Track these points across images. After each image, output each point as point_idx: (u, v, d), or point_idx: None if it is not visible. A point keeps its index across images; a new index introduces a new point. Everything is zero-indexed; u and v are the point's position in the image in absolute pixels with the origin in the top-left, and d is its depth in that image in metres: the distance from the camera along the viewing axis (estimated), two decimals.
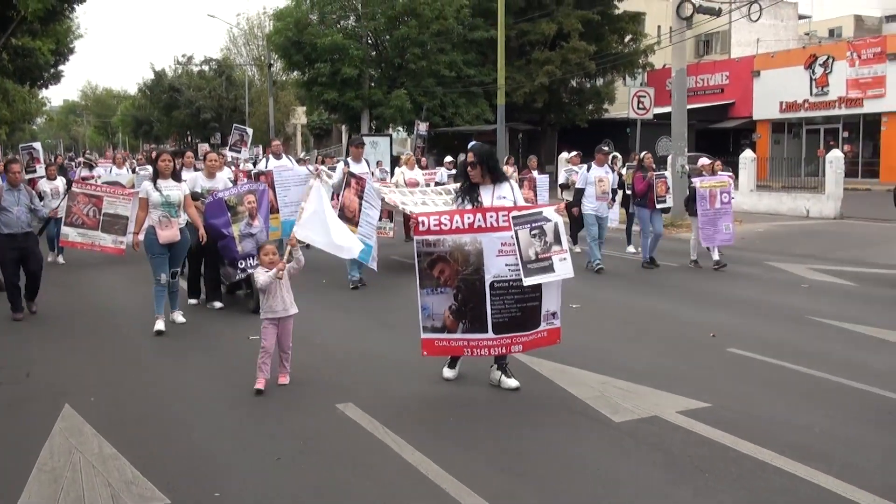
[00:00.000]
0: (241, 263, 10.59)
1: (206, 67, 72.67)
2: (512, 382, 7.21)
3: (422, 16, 39.45)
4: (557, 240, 6.90)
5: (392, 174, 20.84)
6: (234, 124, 24.14)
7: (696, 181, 14.89)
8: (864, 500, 4.94)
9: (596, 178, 14.28)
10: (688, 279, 13.62)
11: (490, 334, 6.96)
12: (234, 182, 12.71)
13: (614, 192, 15.25)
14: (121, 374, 7.98)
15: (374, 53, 43.15)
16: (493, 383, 7.30)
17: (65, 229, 14.57)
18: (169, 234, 9.69)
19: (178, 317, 10.19)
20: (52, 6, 30.05)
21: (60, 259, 15.91)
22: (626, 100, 24.99)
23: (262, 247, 7.58)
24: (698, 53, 55.18)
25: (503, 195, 7.28)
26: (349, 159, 13.42)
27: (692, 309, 11.10)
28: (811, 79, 40.86)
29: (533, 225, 6.88)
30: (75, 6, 36.11)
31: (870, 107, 38.64)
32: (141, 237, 10.00)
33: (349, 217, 11.67)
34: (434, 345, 7.13)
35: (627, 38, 44.36)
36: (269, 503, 5.02)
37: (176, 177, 10.08)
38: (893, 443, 5.94)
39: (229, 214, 10.79)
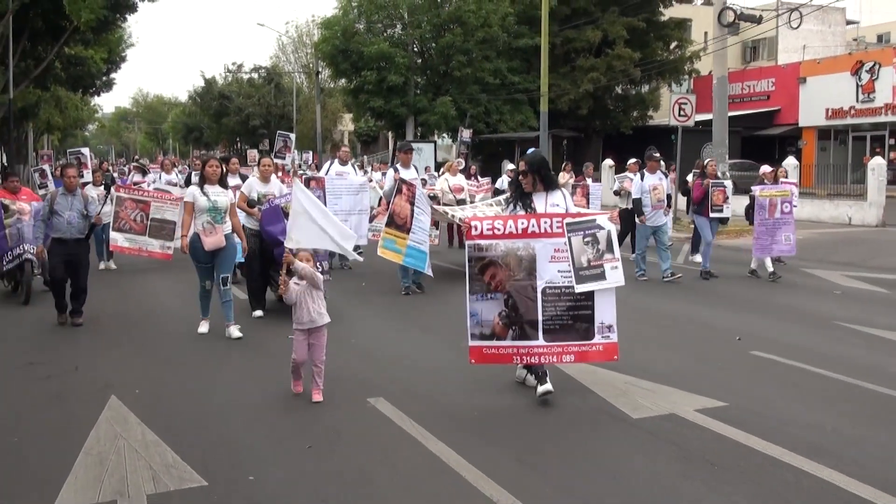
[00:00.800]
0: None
1: (255, 75, 73.75)
2: (532, 379, 7.33)
3: (467, 24, 39.90)
4: (610, 248, 6.90)
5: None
6: (278, 131, 24.45)
7: (756, 189, 14.56)
8: (865, 493, 5.15)
9: (650, 186, 13.86)
10: (722, 285, 13.73)
11: (540, 341, 6.90)
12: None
13: (669, 198, 14.72)
14: (165, 371, 8.38)
15: (419, 61, 43.71)
16: (517, 380, 7.58)
17: (113, 234, 14.61)
18: (213, 240, 9.60)
19: (235, 331, 9.71)
20: (103, 16, 30.85)
21: (112, 265, 16.01)
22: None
23: (295, 254, 7.33)
24: (745, 59, 54.95)
25: (556, 202, 7.33)
26: (398, 165, 13.50)
27: (722, 314, 11.29)
28: (857, 85, 40.53)
29: (586, 232, 6.89)
30: (127, 16, 37.02)
31: None
32: (188, 240, 9.87)
33: (400, 224, 11.78)
34: (482, 352, 7.03)
35: (673, 45, 44.37)
36: (300, 487, 5.36)
37: (223, 183, 10.00)
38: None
39: (286, 221, 10.69)
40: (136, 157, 65.68)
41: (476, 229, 6.94)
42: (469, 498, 5.17)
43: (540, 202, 7.31)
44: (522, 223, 6.92)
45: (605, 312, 6.94)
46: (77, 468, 5.63)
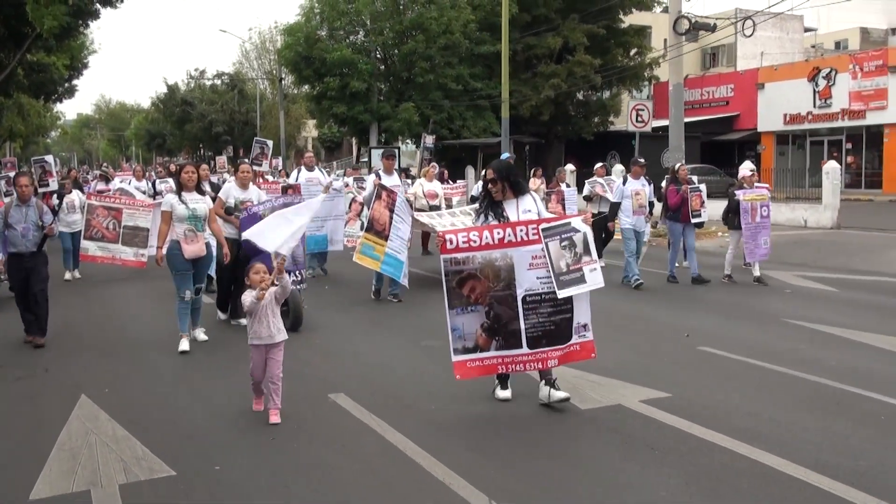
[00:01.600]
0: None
1: (218, 81, 73.72)
2: (560, 394, 7.07)
3: (429, 30, 40.21)
4: (587, 250, 6.86)
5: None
6: (255, 137, 24.17)
7: (740, 194, 14.34)
8: (796, 472, 5.53)
9: (632, 192, 13.84)
10: (679, 287, 14.03)
11: (525, 349, 6.85)
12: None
13: (651, 204, 14.56)
14: (133, 371, 8.65)
15: (382, 67, 43.97)
16: (543, 401, 7.12)
17: (84, 243, 14.38)
18: (195, 248, 9.40)
19: (200, 334, 9.87)
20: (66, 23, 30.83)
21: (77, 274, 15.48)
22: None
23: (251, 265, 7.02)
24: (704, 66, 55.73)
25: (528, 208, 7.17)
26: (381, 171, 13.36)
27: (675, 312, 11.70)
28: (814, 91, 41.38)
29: (562, 236, 6.83)
30: (89, 22, 37.01)
31: (872, 118, 39.14)
32: (164, 251, 9.69)
33: (378, 230, 11.47)
34: (467, 366, 6.91)
35: (633, 52, 44.98)
36: (263, 475, 5.66)
37: (200, 189, 9.75)
38: (832, 426, 6.54)
39: None
40: (104, 164, 65.32)
41: (451, 243, 6.79)
42: (423, 482, 5.49)
43: (512, 209, 7.14)
44: (498, 233, 6.82)
45: (582, 312, 7.00)
46: (51, 462, 5.89)
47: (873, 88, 38.85)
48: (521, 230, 6.83)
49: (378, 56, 43.87)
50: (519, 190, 7.21)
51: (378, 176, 12.84)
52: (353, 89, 40.34)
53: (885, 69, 38.37)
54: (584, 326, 7.04)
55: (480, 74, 42.06)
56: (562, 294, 6.79)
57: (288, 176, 21.62)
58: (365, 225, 11.95)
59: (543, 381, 7.14)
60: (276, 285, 6.87)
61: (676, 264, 15.07)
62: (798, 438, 6.23)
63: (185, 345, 9.47)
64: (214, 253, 10.13)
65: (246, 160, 15.36)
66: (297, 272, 10.56)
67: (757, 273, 14.26)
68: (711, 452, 5.93)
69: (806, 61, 45.27)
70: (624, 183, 14.09)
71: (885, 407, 7.08)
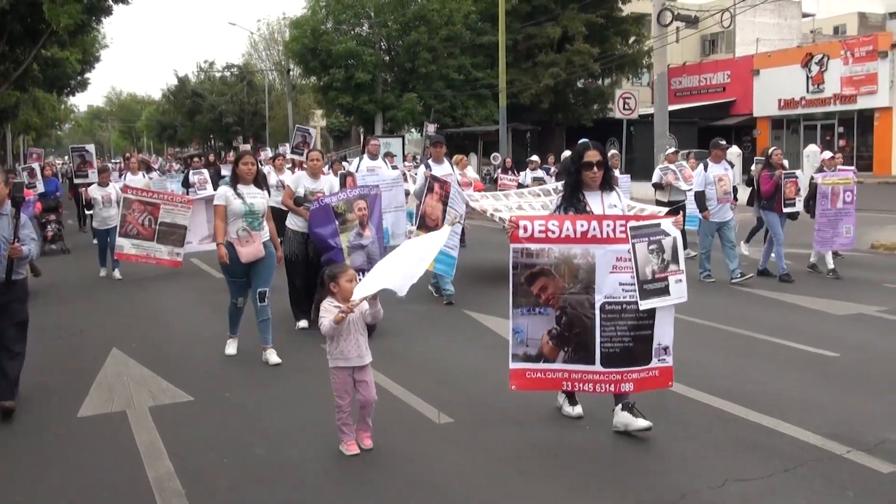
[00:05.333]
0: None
1: (227, 73, 75.03)
2: (642, 423, 6.08)
3: (431, 22, 41.42)
4: (675, 258, 5.97)
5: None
6: (297, 125, 23.49)
7: (818, 177, 13.35)
8: (693, 395, 6.94)
9: (715, 178, 12.75)
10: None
11: (597, 367, 5.99)
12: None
13: (735, 190, 13.46)
14: (160, 330, 10.14)
15: (386, 59, 45.22)
16: (618, 429, 6.17)
17: (119, 240, 13.53)
18: (251, 250, 8.25)
19: (272, 356, 8.29)
20: (81, 20, 32.14)
21: (117, 274, 14.10)
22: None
23: (337, 270, 5.94)
24: (704, 52, 56.79)
25: (613, 203, 6.35)
26: (430, 161, 12.32)
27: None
28: (808, 77, 42.49)
29: (651, 239, 5.94)
30: (102, 18, 38.35)
31: (863, 103, 40.27)
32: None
33: (431, 227, 10.69)
34: (526, 377, 6.11)
35: (631, 40, 46.08)
36: (265, 400, 7.06)
37: (258, 183, 8.58)
38: (735, 362, 8.01)
39: (337, 223, 9.51)
40: (126, 154, 66.73)
41: (525, 231, 5.98)
42: (389, 402, 6.88)
43: (595, 202, 6.30)
44: (581, 225, 5.94)
45: (664, 332, 6.06)
46: (92, 393, 7.34)
47: (864, 73, 39.94)
48: (608, 225, 5.95)
49: (382, 47, 45.12)
50: (608, 182, 6.38)
51: (428, 167, 11.90)
52: (358, 80, 41.61)
53: (875, 54, 39.47)
54: (665, 350, 6.09)
55: (482, 64, 43.24)
56: (644, 305, 5.92)
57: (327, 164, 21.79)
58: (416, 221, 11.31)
59: (620, 406, 6.18)
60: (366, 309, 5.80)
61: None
62: (705, 373, 7.63)
63: (231, 349, 8.74)
64: (274, 252, 8.70)
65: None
66: None
67: (831, 265, 13.37)
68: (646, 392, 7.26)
69: (799, 47, 46.44)
70: (706, 169, 12.94)
71: (783, 349, 8.58)
